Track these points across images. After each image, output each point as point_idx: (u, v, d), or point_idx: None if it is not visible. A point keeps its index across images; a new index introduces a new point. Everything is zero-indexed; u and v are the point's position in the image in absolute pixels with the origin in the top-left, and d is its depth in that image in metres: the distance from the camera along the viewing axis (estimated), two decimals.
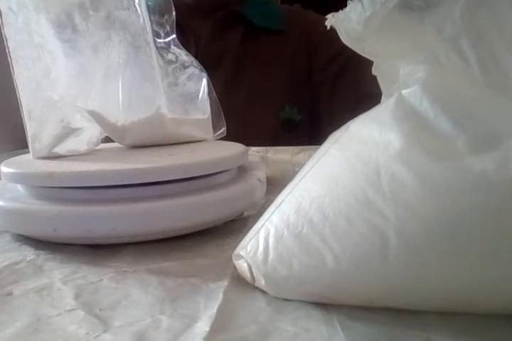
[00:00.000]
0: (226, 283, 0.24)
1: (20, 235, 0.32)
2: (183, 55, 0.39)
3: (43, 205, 0.30)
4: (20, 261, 0.28)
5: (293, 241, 0.21)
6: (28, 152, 0.35)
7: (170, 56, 0.39)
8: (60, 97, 0.33)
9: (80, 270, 0.27)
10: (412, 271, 0.19)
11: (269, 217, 0.23)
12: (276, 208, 0.23)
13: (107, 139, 0.39)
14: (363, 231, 0.19)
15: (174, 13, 0.38)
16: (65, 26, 0.33)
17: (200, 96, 0.40)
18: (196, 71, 0.40)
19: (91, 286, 0.24)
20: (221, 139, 0.43)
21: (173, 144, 0.40)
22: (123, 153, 0.37)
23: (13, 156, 0.37)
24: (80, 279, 0.25)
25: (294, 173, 0.25)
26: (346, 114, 0.25)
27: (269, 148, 0.53)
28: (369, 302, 0.21)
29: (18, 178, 0.32)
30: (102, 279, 0.25)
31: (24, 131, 0.34)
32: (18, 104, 0.33)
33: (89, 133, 0.37)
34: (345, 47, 0.24)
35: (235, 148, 0.37)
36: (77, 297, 0.23)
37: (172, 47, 0.39)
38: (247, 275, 0.23)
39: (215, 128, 0.42)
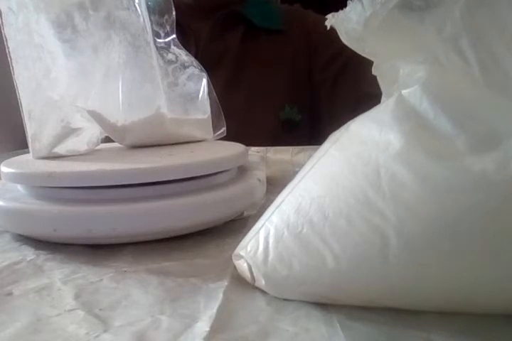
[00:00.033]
0: (226, 283, 0.24)
1: (20, 235, 0.32)
2: (183, 55, 0.39)
3: (43, 205, 0.30)
4: (20, 261, 0.28)
5: (293, 241, 0.21)
6: (28, 152, 0.35)
7: (170, 56, 0.39)
8: (60, 97, 0.33)
9: (80, 270, 0.27)
10: (412, 271, 0.19)
11: (269, 217, 0.23)
12: (276, 208, 0.23)
13: (107, 139, 0.39)
14: (363, 231, 0.19)
15: (174, 13, 0.38)
16: (65, 26, 0.33)
17: (200, 96, 0.40)
18: (196, 71, 0.40)
19: (91, 286, 0.24)
20: (221, 139, 0.43)
21: (173, 144, 0.40)
22: (123, 153, 0.37)
23: (13, 156, 0.37)
24: (80, 279, 0.25)
25: (294, 173, 0.25)
26: (346, 114, 0.25)
27: (269, 148, 0.53)
28: (369, 302, 0.21)
29: (18, 178, 0.32)
30: (102, 279, 0.25)
31: (24, 131, 0.34)
32: (18, 104, 0.33)
33: (89, 133, 0.37)
34: (345, 47, 0.24)
35: (235, 148, 0.37)
36: (77, 297, 0.23)
37: (172, 47, 0.39)
38: (247, 275, 0.23)
39: (215, 128, 0.42)
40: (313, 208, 0.21)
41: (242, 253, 0.24)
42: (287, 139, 0.63)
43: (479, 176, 0.18)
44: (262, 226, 0.23)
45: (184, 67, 0.39)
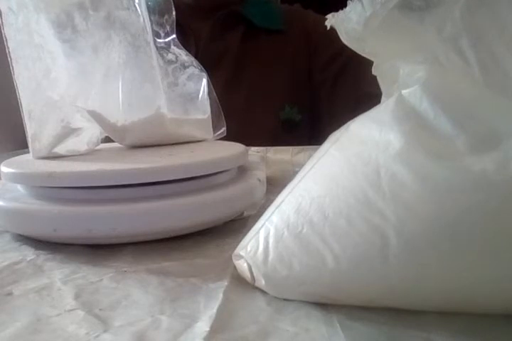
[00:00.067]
0: (226, 283, 0.24)
1: (20, 235, 0.32)
2: (183, 55, 0.39)
3: (43, 205, 0.30)
4: (20, 261, 0.28)
5: (293, 241, 0.21)
6: (28, 152, 0.35)
7: (170, 56, 0.39)
8: (60, 97, 0.33)
9: (80, 270, 0.27)
10: (412, 271, 0.19)
11: (269, 217, 0.23)
12: (276, 208, 0.23)
13: (107, 139, 0.39)
14: (363, 231, 0.19)
15: (174, 13, 0.38)
16: (65, 26, 0.33)
17: (200, 96, 0.40)
18: (196, 71, 0.40)
19: (91, 286, 0.24)
20: (221, 139, 0.43)
21: (173, 144, 0.40)
22: (123, 153, 0.37)
23: (13, 156, 0.37)
24: (80, 279, 0.25)
25: (294, 173, 0.25)
26: (346, 114, 0.25)
27: (269, 148, 0.53)
28: (369, 302, 0.21)
29: (18, 178, 0.32)
30: (102, 279, 0.25)
31: (24, 131, 0.34)
32: (18, 104, 0.33)
33: (89, 133, 0.37)
34: (345, 47, 0.24)
35: (235, 148, 0.37)
36: (77, 297, 0.23)
37: (172, 47, 0.39)
38: (247, 275, 0.23)
39: (215, 128, 0.42)
40: (313, 208, 0.21)
41: (242, 253, 0.24)
42: (287, 139, 0.63)
43: (479, 176, 0.18)
44: (262, 226, 0.23)
45: (184, 67, 0.39)
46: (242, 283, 0.24)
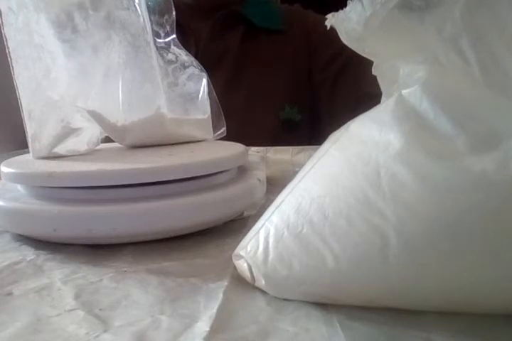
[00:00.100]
0: (226, 283, 0.24)
1: (20, 235, 0.32)
2: (183, 55, 0.39)
3: (43, 205, 0.30)
4: (20, 261, 0.28)
5: (293, 241, 0.21)
6: (28, 152, 0.35)
7: (170, 56, 0.39)
8: (60, 97, 0.33)
9: (80, 270, 0.27)
10: (412, 271, 0.19)
11: (269, 217, 0.23)
12: (276, 208, 0.23)
13: (107, 139, 0.39)
14: (363, 231, 0.19)
15: (174, 13, 0.38)
16: (65, 26, 0.33)
17: (200, 96, 0.40)
18: (196, 71, 0.40)
19: (91, 286, 0.24)
20: (221, 139, 0.43)
21: (173, 144, 0.40)
22: (123, 153, 0.37)
23: (13, 156, 0.37)
24: (80, 279, 0.25)
25: (294, 173, 0.25)
26: (346, 114, 0.25)
27: (269, 148, 0.53)
28: (369, 302, 0.21)
29: (18, 178, 0.32)
30: (102, 279, 0.25)
31: (24, 131, 0.34)
32: (18, 104, 0.33)
33: (89, 133, 0.37)
34: (345, 47, 0.24)
35: (235, 148, 0.37)
36: (77, 297, 0.23)
37: (172, 47, 0.39)
38: (247, 275, 0.23)
39: (215, 128, 0.42)
40: (313, 208, 0.21)
41: (242, 253, 0.24)
42: (287, 139, 0.63)
43: (479, 176, 0.18)
44: (262, 226, 0.23)
45: (184, 67, 0.39)
46: (242, 283, 0.24)
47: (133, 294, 0.23)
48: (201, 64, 0.41)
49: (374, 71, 0.25)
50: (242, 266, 0.24)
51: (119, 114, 0.36)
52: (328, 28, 0.24)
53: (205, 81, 0.40)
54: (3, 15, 0.31)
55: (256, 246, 0.23)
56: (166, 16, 0.38)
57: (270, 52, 0.78)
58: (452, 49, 0.20)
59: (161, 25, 0.38)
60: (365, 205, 0.20)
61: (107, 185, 0.29)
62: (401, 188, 0.19)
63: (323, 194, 0.21)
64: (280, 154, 0.52)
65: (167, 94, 0.37)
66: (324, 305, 0.21)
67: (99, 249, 0.30)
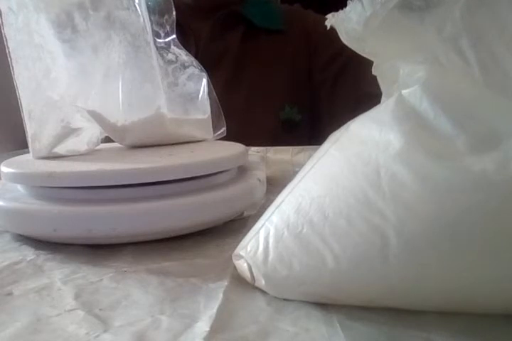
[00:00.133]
0: (226, 283, 0.24)
1: (20, 235, 0.32)
2: (183, 55, 0.39)
3: (43, 205, 0.30)
4: (20, 261, 0.28)
5: (293, 241, 0.21)
6: (28, 152, 0.35)
7: (170, 56, 0.39)
8: (60, 97, 0.33)
9: (80, 270, 0.27)
10: (412, 271, 0.19)
11: (269, 217, 0.23)
12: (276, 208, 0.23)
13: (107, 139, 0.39)
14: (363, 231, 0.19)
15: (174, 13, 0.38)
16: (65, 26, 0.33)
17: (200, 96, 0.40)
18: (196, 71, 0.40)
19: (91, 286, 0.24)
20: (221, 139, 0.43)
21: (173, 144, 0.40)
22: (123, 153, 0.37)
23: (13, 156, 0.37)
24: (80, 279, 0.25)
25: (294, 173, 0.25)
26: (346, 114, 0.25)
27: (269, 148, 0.53)
28: (369, 302, 0.21)
29: (18, 178, 0.32)
30: (102, 279, 0.25)
31: (24, 131, 0.34)
32: (18, 104, 0.33)
33: (89, 133, 0.37)
34: (345, 47, 0.24)
35: (235, 148, 0.37)
36: (77, 297, 0.23)
37: (172, 47, 0.39)
38: (247, 275, 0.23)
39: (215, 128, 0.42)
40: (313, 208, 0.21)
41: (242, 253, 0.24)
42: (287, 139, 0.63)
43: (479, 176, 0.18)
44: (262, 226, 0.23)
45: (184, 67, 0.39)
46: (242, 283, 0.24)
47: (133, 294, 0.23)
48: (201, 64, 0.41)
49: (374, 71, 0.25)
50: (242, 266, 0.24)
51: (119, 114, 0.36)
52: (328, 28, 0.24)
53: (205, 81, 0.40)
54: (3, 15, 0.31)
55: (256, 246, 0.23)
56: (166, 16, 0.38)
57: (270, 52, 0.78)
58: (452, 49, 0.20)
59: (161, 25, 0.38)
60: (365, 205, 0.20)
61: (107, 185, 0.29)
62: (401, 188, 0.19)
63: (323, 194, 0.21)
64: (280, 154, 0.52)
65: (167, 94, 0.37)
66: (324, 305, 0.21)
67: (99, 249, 0.30)
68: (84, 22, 0.34)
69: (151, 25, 0.36)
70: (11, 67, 0.32)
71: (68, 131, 0.34)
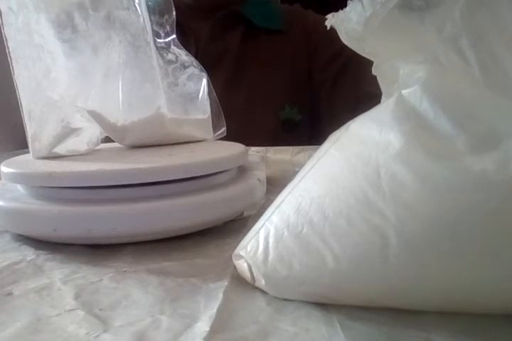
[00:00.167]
0: (226, 283, 0.24)
1: (20, 235, 0.32)
2: (183, 55, 0.39)
3: (43, 205, 0.30)
4: (20, 261, 0.28)
5: (293, 241, 0.21)
6: (28, 152, 0.35)
7: (170, 56, 0.39)
8: (60, 97, 0.33)
9: (80, 270, 0.27)
10: (412, 271, 0.19)
11: (269, 217, 0.23)
12: (276, 208, 0.23)
13: (107, 139, 0.39)
14: (363, 231, 0.19)
15: (174, 13, 0.38)
16: (65, 26, 0.33)
17: (200, 96, 0.40)
18: (196, 71, 0.40)
19: (91, 286, 0.24)
20: (221, 139, 0.43)
21: (173, 144, 0.40)
22: (123, 153, 0.37)
23: (13, 156, 0.37)
24: (80, 279, 0.25)
25: (294, 173, 0.25)
26: (346, 114, 0.25)
27: (269, 148, 0.53)
28: (369, 302, 0.21)
29: (18, 178, 0.32)
30: (102, 279, 0.25)
31: (24, 131, 0.34)
32: (18, 104, 0.33)
33: (89, 133, 0.37)
34: (345, 47, 0.24)
35: (235, 148, 0.37)
36: (77, 297, 0.23)
37: (172, 47, 0.39)
38: (247, 275, 0.23)
39: (215, 128, 0.42)
40: (313, 208, 0.21)
41: (242, 253, 0.24)
42: (287, 139, 0.63)
43: (479, 176, 0.18)
44: (262, 226, 0.23)
45: (184, 67, 0.39)
46: (242, 283, 0.24)
47: (133, 294, 0.23)
48: (201, 64, 0.41)
49: (374, 71, 0.25)
50: (242, 266, 0.24)
51: (119, 114, 0.36)
52: (328, 28, 0.24)
53: (205, 81, 0.40)
54: (3, 15, 0.31)
55: (256, 246, 0.23)
56: (166, 16, 0.38)
57: (270, 52, 0.78)
58: (452, 49, 0.20)
59: (161, 25, 0.38)
60: (365, 205, 0.20)
61: (107, 185, 0.29)
62: (401, 188, 0.19)
63: (323, 194, 0.21)
64: (280, 154, 0.52)
65: (167, 94, 0.37)
66: (324, 305, 0.21)
67: (99, 249, 0.30)
68: (84, 22, 0.34)
69: (151, 25, 0.36)
70: (11, 67, 0.32)
71: (68, 131, 0.34)
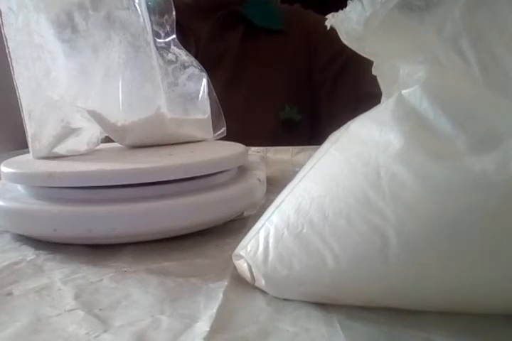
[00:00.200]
0: (226, 283, 0.24)
1: (20, 235, 0.32)
2: (183, 55, 0.39)
3: (43, 205, 0.30)
4: (20, 261, 0.28)
5: (293, 241, 0.21)
6: (28, 152, 0.35)
7: (170, 56, 0.39)
8: (60, 97, 0.33)
9: (80, 270, 0.27)
10: (412, 271, 0.19)
11: (269, 217, 0.23)
12: (276, 208, 0.23)
13: (107, 139, 0.39)
14: (363, 231, 0.19)
15: (174, 13, 0.38)
16: (65, 26, 0.33)
17: (200, 96, 0.40)
18: (196, 71, 0.40)
19: (91, 286, 0.24)
20: (221, 139, 0.43)
21: (173, 144, 0.40)
22: (123, 153, 0.37)
23: (13, 156, 0.37)
24: (80, 279, 0.25)
25: (294, 173, 0.25)
26: (346, 114, 0.25)
27: (269, 148, 0.53)
28: (369, 302, 0.21)
29: (18, 178, 0.32)
30: (102, 279, 0.25)
31: (24, 131, 0.34)
32: (18, 104, 0.33)
33: (89, 133, 0.37)
34: (345, 47, 0.24)
35: (235, 148, 0.37)
36: (77, 297, 0.23)
37: (172, 47, 0.39)
38: (247, 275, 0.23)
39: (215, 128, 0.42)
40: (313, 208, 0.21)
41: (242, 253, 0.24)
42: (287, 139, 0.63)
43: (479, 176, 0.18)
44: (262, 226, 0.23)
45: (184, 67, 0.39)
46: (242, 283, 0.24)
47: (133, 294, 0.23)
48: (201, 64, 0.41)
49: (374, 71, 0.25)
50: (242, 266, 0.24)
51: (119, 114, 0.36)
52: (328, 28, 0.24)
53: (205, 81, 0.40)
54: (3, 15, 0.31)
55: (256, 246, 0.23)
56: (166, 16, 0.38)
57: (270, 52, 0.78)
58: (452, 49, 0.20)
59: (161, 25, 0.38)
60: (365, 205, 0.20)
61: (107, 185, 0.29)
62: (401, 188, 0.19)
63: (323, 194, 0.21)
64: (280, 154, 0.52)
65: (167, 94, 0.37)
66: (324, 305, 0.21)
67: (99, 249, 0.30)
68: (84, 22, 0.34)
69: (151, 25, 0.36)
70: (11, 67, 0.32)
71: (68, 131, 0.34)
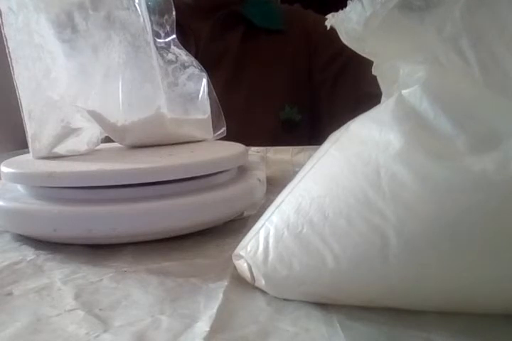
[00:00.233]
0: (226, 283, 0.24)
1: (20, 235, 0.32)
2: (183, 55, 0.39)
3: (43, 205, 0.30)
4: (20, 261, 0.28)
5: (293, 241, 0.21)
6: (28, 152, 0.35)
7: (170, 56, 0.39)
8: (60, 97, 0.33)
9: (80, 270, 0.27)
10: (412, 271, 0.19)
11: (269, 217, 0.23)
12: (276, 208, 0.23)
13: (107, 139, 0.39)
14: (363, 231, 0.19)
15: (174, 13, 0.38)
16: (65, 26, 0.33)
17: (200, 96, 0.40)
18: (196, 71, 0.40)
19: (91, 286, 0.24)
20: (221, 139, 0.43)
21: (173, 144, 0.40)
22: (123, 153, 0.37)
23: (13, 156, 0.37)
24: (80, 279, 0.25)
25: (294, 173, 0.25)
26: (346, 114, 0.25)
27: (269, 148, 0.53)
28: (369, 302, 0.21)
29: (18, 178, 0.32)
30: (102, 279, 0.25)
31: (24, 131, 0.34)
32: (18, 104, 0.33)
33: (89, 133, 0.37)
34: (345, 47, 0.24)
35: (235, 148, 0.37)
36: (77, 297, 0.23)
37: (172, 47, 0.39)
38: (247, 275, 0.23)
39: (215, 128, 0.42)
40: (313, 208, 0.21)
41: (242, 253, 0.24)
42: (287, 139, 0.63)
43: (479, 176, 0.18)
44: (262, 226, 0.23)
45: (184, 67, 0.39)
46: (242, 283, 0.24)
47: (133, 294, 0.23)
48: (201, 64, 0.41)
49: (374, 71, 0.25)
50: (242, 266, 0.24)
51: (119, 114, 0.36)
52: (328, 28, 0.24)
53: (205, 81, 0.40)
54: (3, 15, 0.31)
55: (256, 246, 0.23)
56: (166, 16, 0.38)
57: (270, 52, 0.78)
58: (452, 49, 0.20)
59: (161, 25, 0.38)
60: (365, 205, 0.20)
61: (107, 185, 0.30)
62: (401, 188, 0.19)
63: (323, 194, 0.21)
64: (280, 154, 0.52)
65: (167, 94, 0.37)
66: (324, 305, 0.21)
67: (99, 249, 0.30)
68: (84, 22, 0.34)
69: (151, 25, 0.36)
70: (11, 67, 0.32)
71: (68, 131, 0.34)
